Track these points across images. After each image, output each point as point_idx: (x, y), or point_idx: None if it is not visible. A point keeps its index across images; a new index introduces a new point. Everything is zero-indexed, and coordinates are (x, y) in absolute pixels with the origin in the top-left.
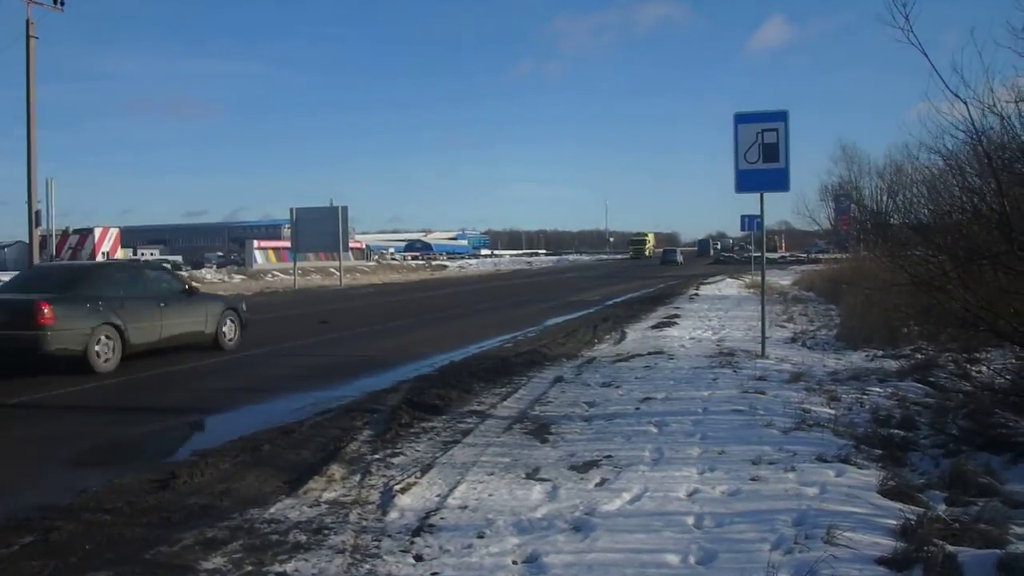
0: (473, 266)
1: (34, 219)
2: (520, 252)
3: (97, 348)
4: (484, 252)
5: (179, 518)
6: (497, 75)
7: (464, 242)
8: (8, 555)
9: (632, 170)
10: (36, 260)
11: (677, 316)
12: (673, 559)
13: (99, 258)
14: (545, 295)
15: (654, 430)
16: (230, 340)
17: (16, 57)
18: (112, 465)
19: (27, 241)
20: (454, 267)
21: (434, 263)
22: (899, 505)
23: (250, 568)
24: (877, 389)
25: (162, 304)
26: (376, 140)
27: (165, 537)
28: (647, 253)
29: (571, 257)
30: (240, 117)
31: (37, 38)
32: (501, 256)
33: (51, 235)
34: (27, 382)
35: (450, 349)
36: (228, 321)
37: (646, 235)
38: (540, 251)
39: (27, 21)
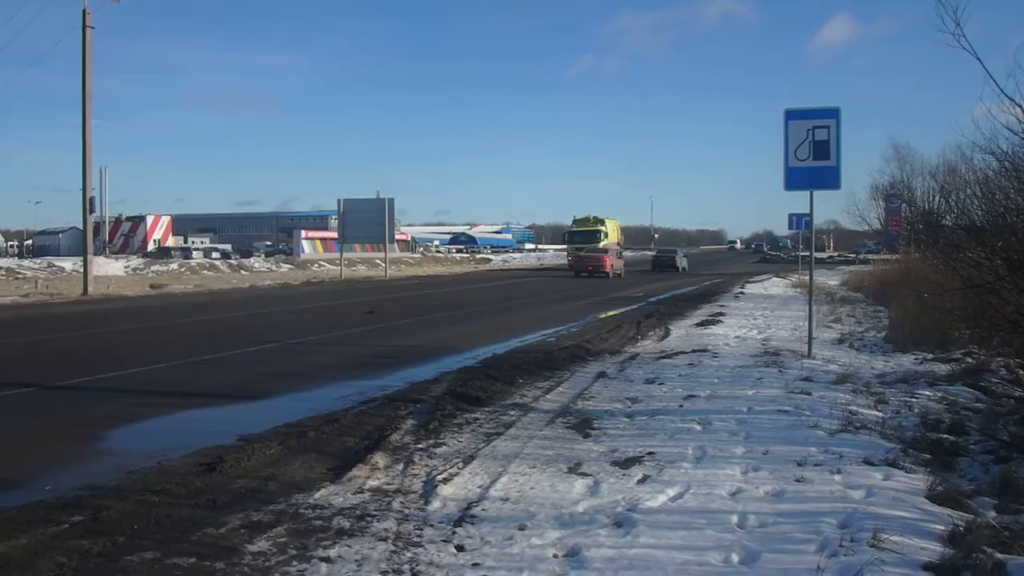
0: (517, 260)
1: (88, 206)
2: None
3: None
4: (528, 246)
5: (226, 501)
6: (552, 71)
7: (508, 236)
8: (58, 533)
9: (679, 167)
10: (90, 246)
11: (722, 314)
12: (716, 558)
13: (151, 245)
14: (588, 290)
15: (698, 428)
16: None
17: (73, 47)
18: (160, 447)
19: (81, 227)
20: (498, 261)
21: (478, 256)
22: (947, 511)
23: (294, 552)
24: (926, 393)
25: None
26: (425, 134)
27: (212, 519)
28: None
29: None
30: (292, 110)
31: (93, 28)
32: (545, 251)
33: (104, 222)
34: (78, 365)
35: (493, 342)
36: None
37: (600, 222)
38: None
39: (83, 11)
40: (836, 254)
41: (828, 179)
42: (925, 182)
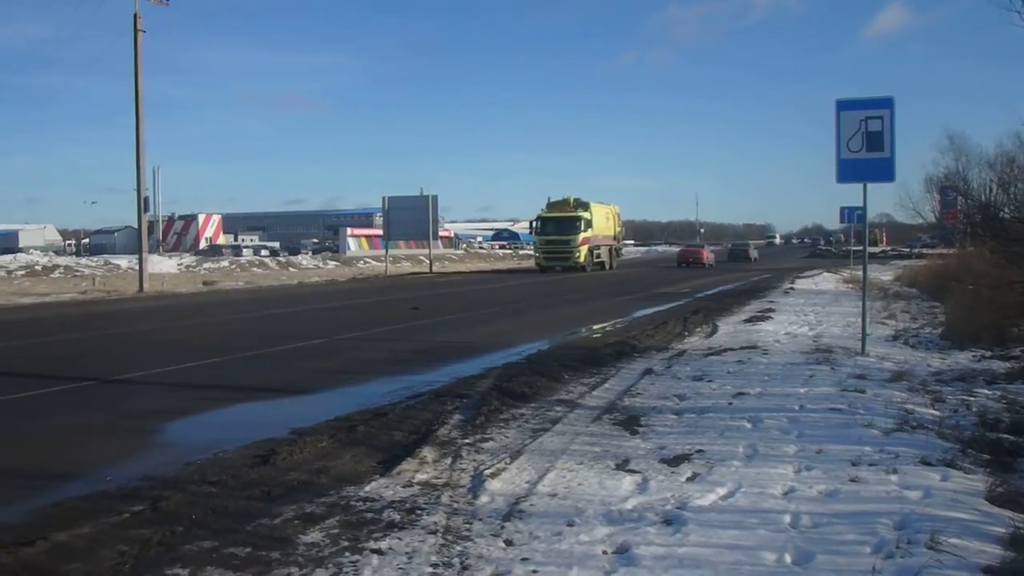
0: None
1: (142, 205)
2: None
3: None
4: None
5: (279, 493)
6: (598, 65)
7: None
8: (120, 522)
9: (726, 161)
10: (145, 244)
11: (771, 310)
12: (768, 557)
13: (202, 243)
14: (634, 286)
15: (748, 426)
16: None
17: (125, 50)
18: (215, 439)
19: (136, 226)
20: None
21: (521, 252)
22: (1008, 513)
23: (346, 544)
24: (985, 391)
25: None
26: (468, 130)
27: (266, 510)
28: (578, 254)
29: (660, 248)
30: (338, 109)
31: (144, 31)
32: None
33: (158, 220)
34: (135, 360)
35: (538, 338)
36: None
37: (583, 207)
38: (628, 241)
39: (135, 15)
40: (889, 248)
41: (882, 171)
42: (982, 173)
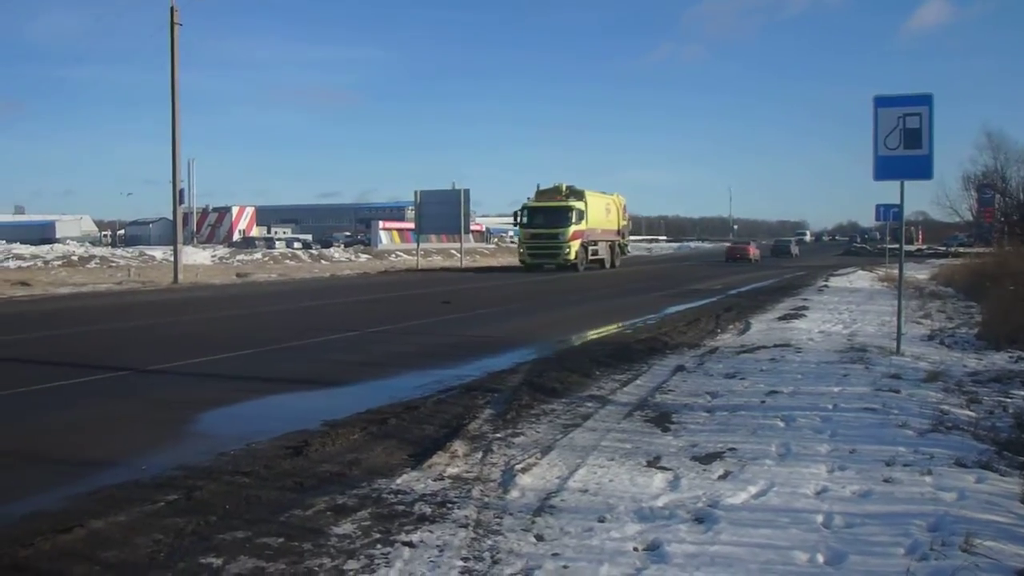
0: None
1: (178, 197)
2: (639, 238)
3: None
4: None
5: (311, 484)
6: (631, 60)
7: None
8: (155, 511)
9: (760, 157)
10: (180, 236)
11: (805, 308)
12: (800, 557)
13: (236, 235)
14: (665, 282)
15: (781, 424)
16: None
17: (162, 42)
18: (248, 430)
19: (171, 218)
20: None
21: None
22: None
23: (378, 536)
24: (1022, 393)
25: None
26: (500, 124)
27: (298, 501)
28: (568, 250)
29: (692, 244)
30: (370, 103)
31: (181, 25)
32: None
33: (192, 212)
34: (170, 351)
35: (568, 333)
36: None
37: (576, 195)
38: (660, 237)
39: (171, 8)
40: (925, 247)
41: (920, 169)
42: (1021, 171)
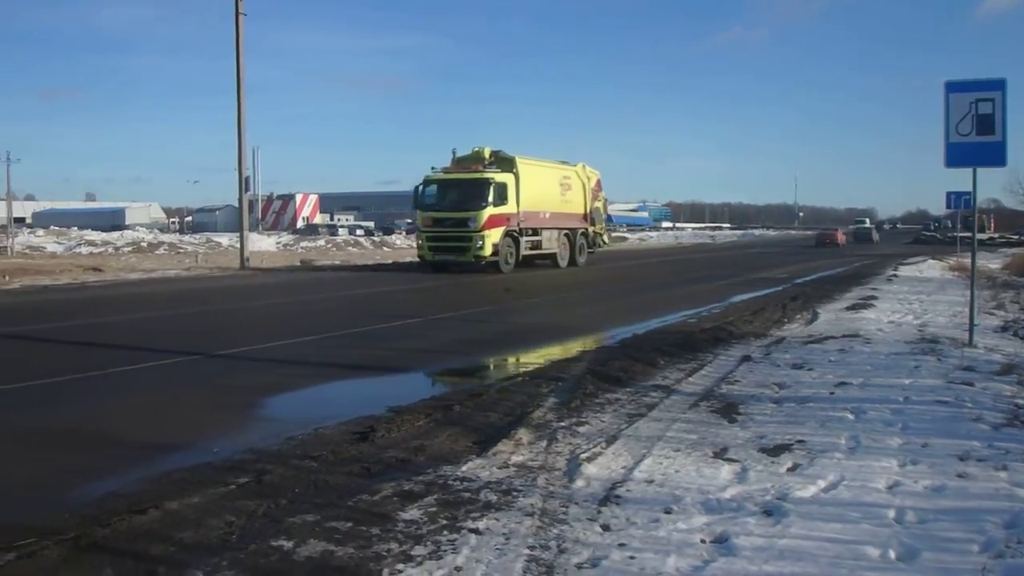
0: (653, 239)
1: (243, 185)
2: (702, 225)
3: None
4: (665, 225)
5: (378, 469)
6: (693, 44)
7: (644, 214)
8: (226, 493)
9: (825, 143)
10: (246, 223)
11: (874, 298)
12: (872, 552)
13: (300, 222)
14: (730, 270)
15: (850, 417)
16: None
17: (227, 32)
18: (315, 415)
19: (237, 205)
20: (633, 239)
21: (613, 235)
22: None
23: (444, 522)
24: None
25: None
26: (557, 111)
27: (366, 486)
28: (480, 242)
29: (757, 231)
30: (431, 89)
31: (245, 15)
32: (683, 229)
33: (257, 200)
34: (237, 336)
35: (632, 322)
36: None
37: (504, 163)
38: (724, 225)
39: None
40: (997, 235)
41: (993, 155)
42: None
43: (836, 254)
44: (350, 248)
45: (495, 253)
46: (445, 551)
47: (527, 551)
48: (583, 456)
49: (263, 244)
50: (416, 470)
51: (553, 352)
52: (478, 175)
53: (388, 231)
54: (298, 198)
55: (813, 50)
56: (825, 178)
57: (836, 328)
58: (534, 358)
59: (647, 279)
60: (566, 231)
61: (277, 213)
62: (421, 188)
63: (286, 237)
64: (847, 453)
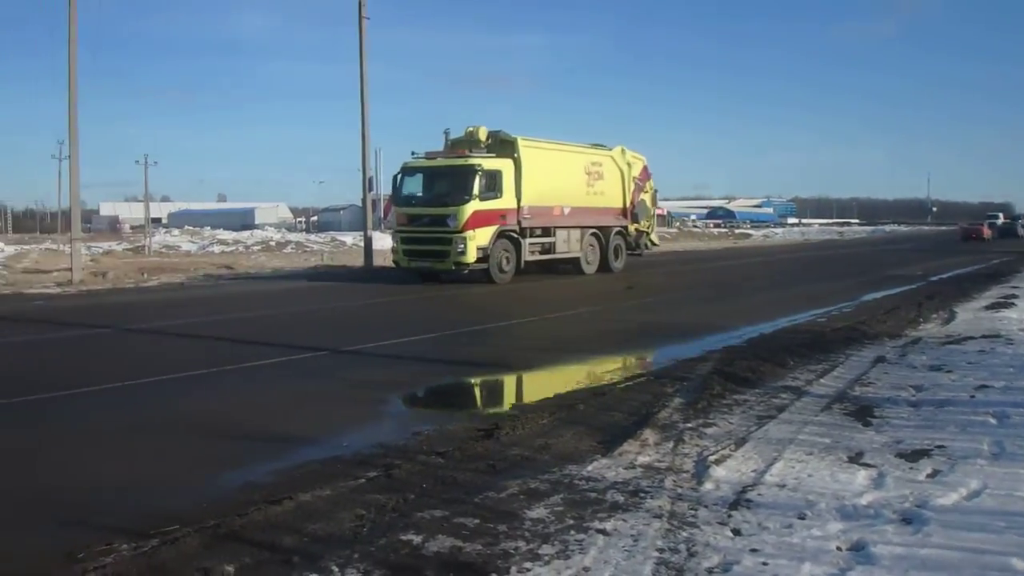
0: (779, 235)
1: (367, 185)
2: (830, 221)
3: None
4: (790, 220)
5: (503, 467)
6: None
7: (769, 210)
8: (356, 487)
9: (958, 136)
10: (369, 222)
11: (1015, 296)
12: (1019, 565)
13: None
14: (859, 268)
15: (992, 421)
16: None
17: (350, 36)
18: (440, 411)
19: (360, 205)
20: (758, 236)
21: (737, 231)
22: None
23: (571, 522)
24: None
25: None
26: (682, 105)
27: (491, 484)
28: (461, 245)
29: (887, 227)
30: (539, 88)
31: (368, 19)
32: (809, 225)
33: (380, 199)
34: (364, 332)
35: (758, 321)
36: None
37: (505, 148)
38: (852, 220)
39: (359, 3)
40: None
41: None
42: None
43: (976, 250)
44: None
45: (483, 259)
46: (573, 551)
47: (656, 554)
48: (711, 458)
49: (386, 242)
50: (541, 468)
51: (677, 351)
52: (461, 161)
53: None
54: None
55: (941, 41)
56: (958, 172)
57: (975, 328)
58: (657, 357)
59: (772, 277)
60: (594, 230)
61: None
62: (399, 178)
63: None
64: (990, 459)
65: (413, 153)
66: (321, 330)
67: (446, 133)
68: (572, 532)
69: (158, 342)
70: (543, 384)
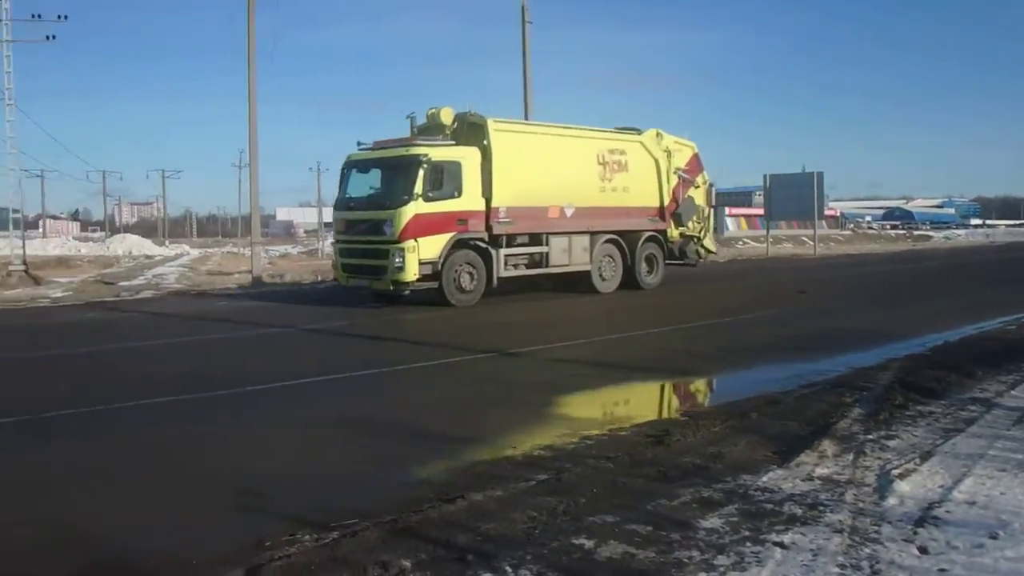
0: (961, 237)
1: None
2: (1018, 222)
3: None
4: (974, 222)
5: (675, 475)
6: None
7: (950, 211)
8: (527, 489)
9: None
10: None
11: None
12: None
13: None
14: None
15: None
16: None
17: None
18: (609, 415)
19: None
20: (938, 238)
21: (916, 233)
22: None
23: (747, 533)
24: None
25: None
26: (853, 101)
27: (663, 491)
28: (398, 258)
29: None
30: (707, 86)
31: (531, 23)
32: (994, 226)
33: None
34: (526, 335)
35: (941, 328)
36: None
37: (471, 131)
38: (999, 222)
39: (522, 7)
40: None
41: None
42: None
43: None
44: None
45: (431, 275)
46: (749, 563)
47: (837, 569)
48: (895, 472)
49: None
50: (714, 477)
51: (854, 359)
52: (402, 151)
53: None
54: None
55: None
56: None
57: None
58: (832, 364)
59: (955, 281)
60: (611, 236)
61: None
62: (342, 174)
63: None
64: None
65: (359, 143)
66: (490, 330)
67: (411, 118)
68: (748, 544)
69: (335, 342)
70: (714, 389)
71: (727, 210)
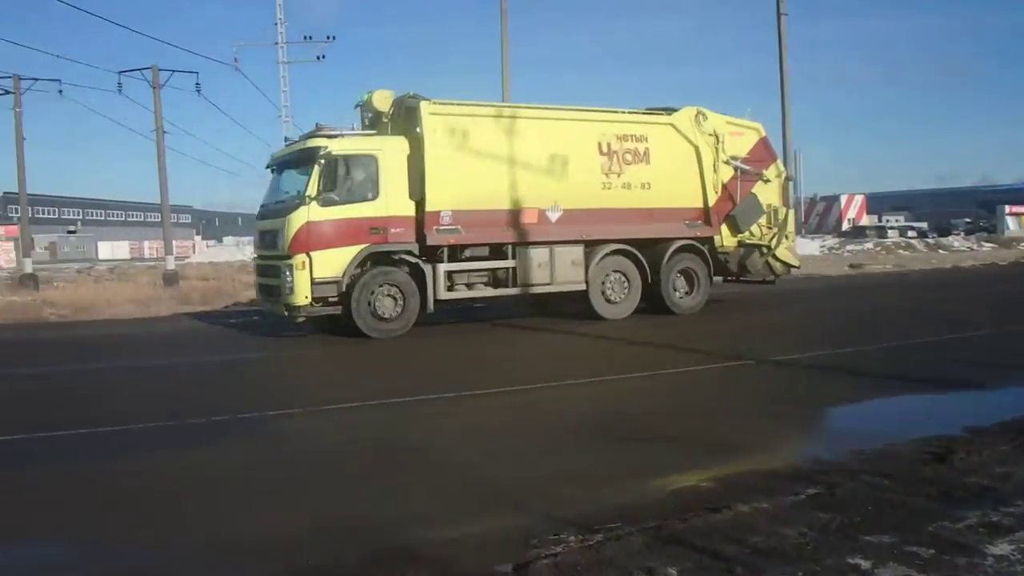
0: None
1: (789, 188)
2: None
3: None
4: None
5: (958, 495)
6: None
7: None
8: (796, 503)
9: None
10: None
11: None
12: None
13: (844, 224)
14: None
15: None
16: None
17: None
18: (883, 429)
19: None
20: None
21: None
22: None
23: None
24: None
25: None
26: None
27: (945, 512)
28: (288, 275)
29: None
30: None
31: (786, 15)
32: None
33: (800, 202)
34: (783, 342)
35: None
36: None
37: (407, 116)
38: None
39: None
40: None
41: None
42: None
43: None
44: (900, 251)
45: (333, 300)
46: None
47: None
48: None
49: (808, 248)
50: (1003, 500)
51: None
52: (299, 146)
53: (943, 232)
54: (843, 199)
55: None
56: None
57: None
58: None
59: None
60: (619, 247)
61: (820, 215)
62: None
63: (830, 240)
64: None
65: (286, 139)
66: (742, 336)
67: (359, 107)
68: None
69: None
70: (996, 405)
71: (1007, 208)
